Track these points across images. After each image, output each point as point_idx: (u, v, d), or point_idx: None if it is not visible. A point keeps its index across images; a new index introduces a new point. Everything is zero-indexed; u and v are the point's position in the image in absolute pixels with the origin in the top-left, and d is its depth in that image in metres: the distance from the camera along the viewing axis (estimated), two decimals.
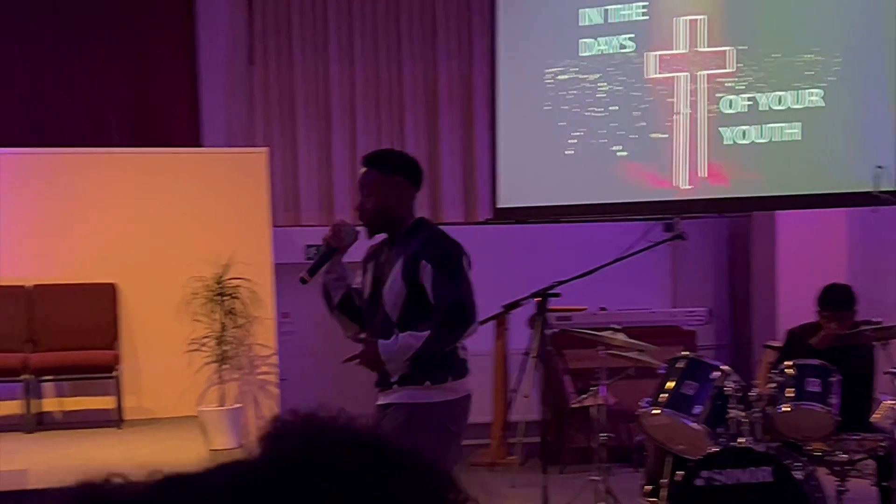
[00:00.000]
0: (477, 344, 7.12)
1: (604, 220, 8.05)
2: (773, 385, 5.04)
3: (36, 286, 7.23)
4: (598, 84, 7.84)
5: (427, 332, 3.46)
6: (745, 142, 7.50)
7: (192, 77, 8.31)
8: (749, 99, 7.46)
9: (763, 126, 7.43)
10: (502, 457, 6.92)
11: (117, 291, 7.36)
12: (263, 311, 7.19)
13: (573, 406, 6.57)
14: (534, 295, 6.22)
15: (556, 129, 8.00)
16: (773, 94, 7.39)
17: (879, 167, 6.95)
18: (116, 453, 6.18)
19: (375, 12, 8.51)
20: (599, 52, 7.85)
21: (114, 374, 7.00)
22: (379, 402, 3.62)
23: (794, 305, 6.60)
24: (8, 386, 6.98)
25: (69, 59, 8.06)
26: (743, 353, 8.10)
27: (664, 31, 7.70)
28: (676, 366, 5.08)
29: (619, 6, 7.77)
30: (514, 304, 6.78)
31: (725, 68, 7.50)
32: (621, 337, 5.43)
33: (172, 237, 7.34)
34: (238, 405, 7.15)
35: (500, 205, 8.18)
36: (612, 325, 5.59)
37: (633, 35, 7.76)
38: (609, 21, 7.82)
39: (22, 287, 7.19)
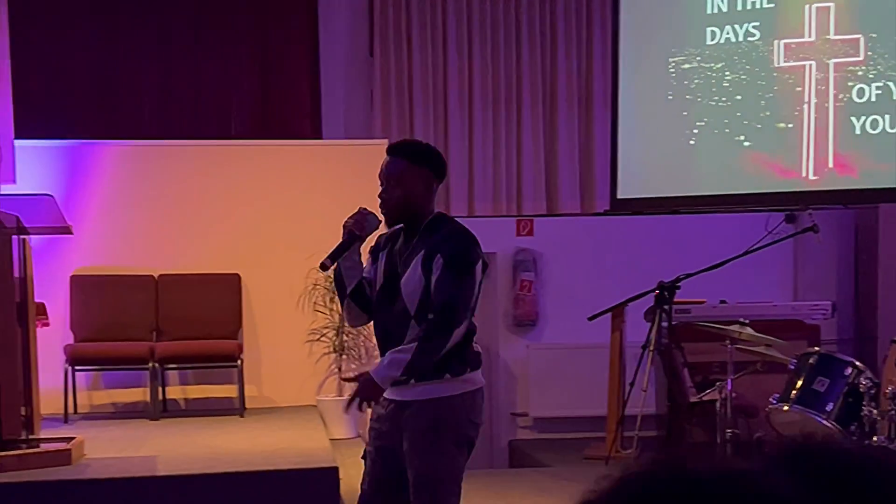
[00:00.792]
0: (593, 336, 7.13)
1: (724, 211, 7.88)
2: None
3: (161, 276, 7.40)
4: (723, 73, 7.69)
5: (413, 345, 3.40)
6: (875, 131, 7.25)
7: (314, 70, 8.41)
8: (880, 88, 7.21)
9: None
10: (617, 451, 6.83)
11: (241, 282, 7.50)
12: None
13: (693, 401, 6.46)
14: (658, 288, 6.13)
15: (679, 118, 7.86)
16: None
17: None
18: (239, 441, 6.29)
19: (494, 3, 8.48)
20: (725, 41, 7.69)
21: (237, 363, 7.12)
22: (391, 397, 3.51)
23: None
24: (135, 373, 7.17)
25: (196, 56, 8.24)
26: (868, 348, 7.84)
27: (791, 19, 7.51)
28: (808, 361, 4.94)
29: None
30: (636, 297, 6.68)
31: (856, 56, 7.26)
32: (749, 331, 5.31)
33: (294, 228, 7.43)
34: None
35: (620, 196, 8.08)
36: (739, 319, 5.46)
37: (758, 23, 7.58)
38: (735, 9, 7.66)
39: (149, 277, 7.37)
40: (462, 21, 8.45)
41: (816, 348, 5.21)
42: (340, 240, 3.56)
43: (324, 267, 3.55)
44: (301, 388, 7.47)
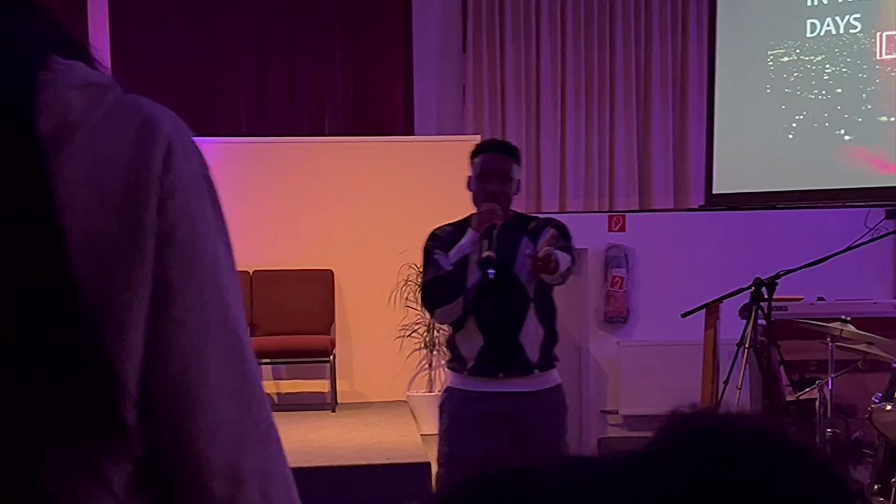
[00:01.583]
0: (685, 334, 7.03)
1: (822, 206, 7.72)
2: None
3: (256, 272, 7.50)
4: (823, 66, 7.53)
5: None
6: None
7: (407, 67, 8.45)
8: None
9: None
10: None
11: (334, 278, 7.56)
12: None
13: (790, 399, 6.34)
14: (755, 284, 6.03)
15: (777, 112, 7.72)
16: None
17: None
18: (332, 436, 6.35)
19: None
20: (825, 33, 7.54)
21: (329, 358, 7.18)
22: (513, 390, 3.53)
23: None
24: None
25: (290, 55, 8.34)
26: None
27: (894, 11, 7.32)
28: None
29: None
30: (733, 294, 6.58)
31: None
32: (850, 328, 5.19)
33: (386, 224, 7.48)
34: None
35: (716, 191, 7.97)
36: (840, 316, 5.35)
37: (860, 14, 7.41)
38: (836, 1, 7.49)
39: (245, 273, 7.48)
40: (555, 15, 8.40)
41: None
42: (468, 233, 3.54)
43: (489, 260, 3.52)
44: (392, 384, 7.51)
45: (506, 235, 3.58)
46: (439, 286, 3.54)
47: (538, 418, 3.51)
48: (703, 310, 6.78)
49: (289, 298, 7.44)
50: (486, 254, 3.48)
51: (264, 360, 7.36)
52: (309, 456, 5.72)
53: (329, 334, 7.42)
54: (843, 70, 7.48)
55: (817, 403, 5.42)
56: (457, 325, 3.63)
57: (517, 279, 3.54)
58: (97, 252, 0.83)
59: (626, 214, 8.03)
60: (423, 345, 7.32)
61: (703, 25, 8.28)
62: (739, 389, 6.29)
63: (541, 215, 3.81)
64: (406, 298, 7.27)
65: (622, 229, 7.87)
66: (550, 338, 3.59)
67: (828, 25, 7.53)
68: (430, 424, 7.09)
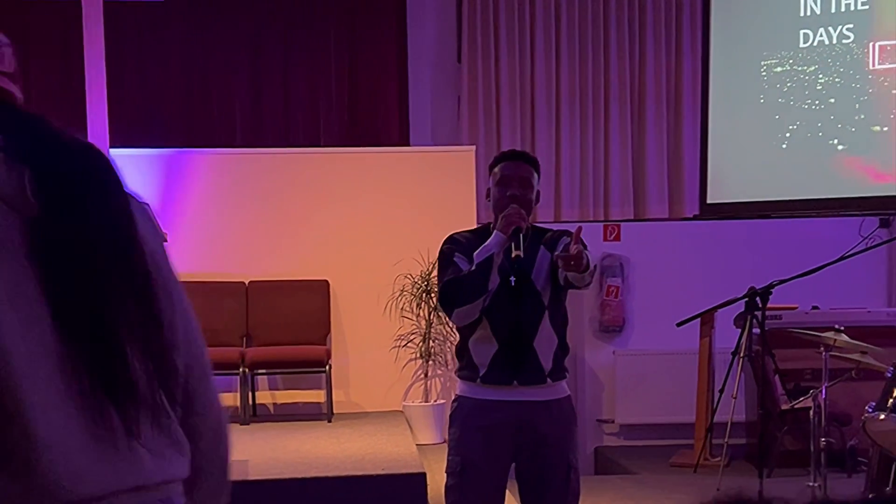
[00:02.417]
0: (680, 343, 7.05)
1: (816, 215, 7.74)
2: None
3: (252, 282, 7.51)
4: (816, 76, 7.56)
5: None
6: None
7: (402, 77, 8.45)
8: None
9: None
10: (706, 458, 6.75)
11: (330, 288, 7.57)
12: None
13: (785, 408, 6.35)
14: (750, 294, 6.05)
15: (771, 122, 7.75)
16: None
17: None
18: (328, 446, 6.34)
19: (582, 7, 8.43)
20: (818, 43, 7.56)
21: (325, 368, 7.19)
22: (525, 399, 3.51)
23: None
24: (225, 379, 7.26)
25: (285, 66, 8.34)
26: None
27: (886, 21, 7.35)
28: None
29: None
30: (728, 303, 6.60)
31: None
32: (844, 338, 5.20)
33: (382, 234, 7.49)
34: (442, 401, 7.23)
35: (710, 200, 7.99)
36: (834, 326, 5.36)
37: (853, 25, 7.44)
38: (829, 11, 7.52)
39: (240, 283, 7.49)
40: (550, 26, 8.42)
41: None
42: (494, 234, 3.52)
43: (519, 260, 3.49)
44: (387, 394, 7.52)
45: (512, 244, 3.58)
46: (462, 286, 3.49)
47: (550, 428, 3.51)
48: (698, 319, 6.80)
49: (285, 309, 7.45)
50: (515, 253, 3.46)
51: (260, 371, 7.36)
52: (304, 466, 5.72)
53: (325, 344, 7.43)
54: (837, 80, 7.51)
55: (812, 412, 5.43)
56: (470, 330, 3.59)
57: (534, 286, 3.55)
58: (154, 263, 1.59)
59: (621, 224, 8.06)
60: (418, 355, 7.33)
61: (697, 36, 8.30)
62: (734, 398, 6.31)
63: (553, 227, 3.81)
64: (402, 308, 7.27)
65: (617, 239, 7.90)
66: (563, 347, 3.58)
67: (821, 36, 7.56)
68: (426, 435, 7.11)
